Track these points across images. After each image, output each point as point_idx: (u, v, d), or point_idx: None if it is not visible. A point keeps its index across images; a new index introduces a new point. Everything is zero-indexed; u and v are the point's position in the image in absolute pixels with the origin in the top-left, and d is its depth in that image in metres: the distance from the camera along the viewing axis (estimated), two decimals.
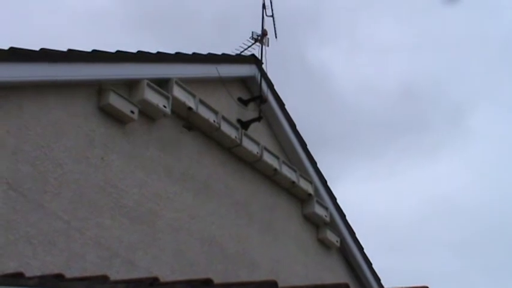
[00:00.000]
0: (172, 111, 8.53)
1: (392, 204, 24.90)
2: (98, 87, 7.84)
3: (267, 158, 9.80)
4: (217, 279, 4.52)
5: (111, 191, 7.65)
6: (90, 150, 7.57)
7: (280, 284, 4.11)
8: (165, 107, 8.36)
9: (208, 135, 9.15)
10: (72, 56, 7.53)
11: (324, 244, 10.67)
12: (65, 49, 7.50)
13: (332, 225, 10.71)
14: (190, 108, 8.75)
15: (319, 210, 10.47)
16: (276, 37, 10.63)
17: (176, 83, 8.64)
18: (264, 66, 10.35)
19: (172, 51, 8.91)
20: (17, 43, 6.98)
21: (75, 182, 7.29)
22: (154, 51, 8.66)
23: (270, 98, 10.30)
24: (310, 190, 10.46)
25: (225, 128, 9.19)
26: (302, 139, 10.67)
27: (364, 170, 24.95)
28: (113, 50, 8.05)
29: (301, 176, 10.35)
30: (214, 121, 9.02)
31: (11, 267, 6.30)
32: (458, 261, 22.22)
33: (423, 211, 24.45)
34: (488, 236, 22.63)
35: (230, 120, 9.35)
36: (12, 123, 6.87)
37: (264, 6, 10.64)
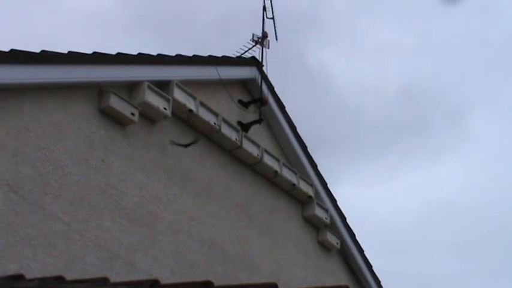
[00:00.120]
0: (173, 113, 8.53)
1: (394, 207, 24.91)
2: (99, 89, 7.84)
3: (268, 160, 9.80)
4: (217, 282, 4.52)
5: (111, 193, 7.65)
6: (90, 152, 7.57)
7: (280, 287, 4.11)
8: (165, 109, 8.36)
9: (209, 137, 9.15)
10: (73, 58, 7.54)
11: (324, 246, 10.67)
12: (65, 51, 7.50)
13: (332, 227, 10.71)
14: (190, 111, 8.76)
15: (319, 213, 10.47)
16: (276, 39, 10.64)
17: (177, 85, 8.64)
18: (264, 68, 10.36)
19: (172, 53, 8.92)
20: (17, 45, 7.00)
21: (75, 184, 7.29)
22: (154, 53, 8.67)
23: (271, 100, 10.31)
24: (311, 192, 10.46)
25: (226, 130, 9.20)
26: (302, 141, 10.67)
27: (365, 172, 24.96)
28: (113, 51, 8.06)
29: (301, 178, 10.35)
30: (214, 123, 9.02)
31: (11, 269, 6.30)
32: (460, 263, 22.21)
33: (425, 213, 24.47)
34: (490, 238, 22.64)
35: (230, 122, 9.36)
36: (13, 125, 6.87)
37: (264, 9, 10.64)
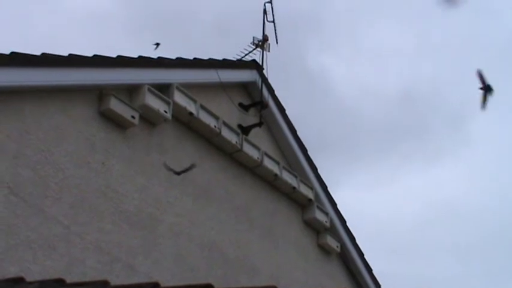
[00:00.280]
0: (173, 116, 8.53)
1: (394, 210, 24.89)
2: (99, 92, 7.84)
3: (268, 163, 9.80)
4: (217, 285, 4.52)
5: (111, 195, 7.65)
6: (90, 155, 7.58)
7: None
8: (165, 112, 8.36)
9: (209, 140, 9.15)
10: (73, 61, 7.54)
11: (324, 250, 10.66)
12: (65, 54, 7.51)
13: (332, 230, 10.71)
14: (191, 114, 8.76)
15: (319, 216, 10.47)
16: (276, 42, 10.65)
17: (177, 88, 8.65)
18: (264, 71, 10.37)
19: (173, 56, 8.93)
20: (17, 45, 7.01)
21: (75, 187, 7.30)
22: (155, 56, 8.68)
23: (271, 103, 10.31)
24: (311, 195, 10.46)
25: (226, 133, 9.20)
26: (303, 144, 10.67)
27: (365, 175, 24.97)
28: (113, 53, 8.07)
29: (301, 181, 10.35)
30: (215, 126, 9.03)
31: (11, 271, 6.30)
32: (460, 266, 22.20)
33: (425, 216, 24.46)
34: (490, 240, 22.63)
35: (231, 125, 9.36)
36: (13, 127, 6.88)
37: (265, 12, 10.65)
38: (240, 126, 9.70)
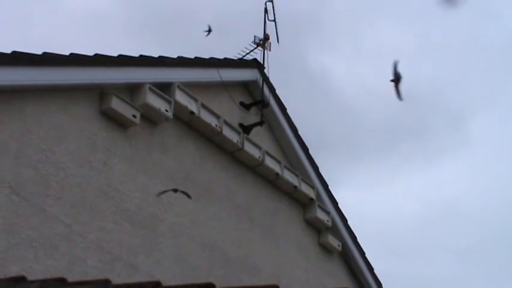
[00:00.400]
0: (174, 115, 8.53)
1: (394, 209, 24.88)
2: (100, 91, 7.85)
3: (269, 162, 9.80)
4: (218, 284, 4.52)
5: (113, 195, 7.65)
6: (92, 154, 7.58)
7: None
8: (167, 111, 8.36)
9: (210, 139, 9.15)
10: (74, 60, 7.55)
11: (326, 249, 10.66)
12: (67, 53, 7.51)
13: (334, 229, 10.71)
14: (192, 113, 8.76)
15: (320, 215, 10.46)
16: (277, 41, 10.63)
17: (178, 87, 8.64)
18: (265, 70, 10.36)
19: (173, 55, 8.93)
20: (17, 45, 7.01)
21: (77, 186, 7.30)
22: (155, 54, 8.68)
23: (272, 102, 10.30)
24: (312, 195, 10.45)
25: (227, 132, 9.20)
26: (304, 143, 10.67)
27: (365, 175, 24.97)
28: (114, 53, 8.07)
29: (303, 180, 10.34)
30: (216, 125, 9.03)
31: (12, 270, 6.30)
32: (461, 266, 22.20)
33: (425, 216, 24.45)
34: (490, 240, 22.63)
35: (232, 124, 9.36)
36: (15, 127, 6.88)
37: (266, 11, 10.64)
38: (241, 125, 9.70)
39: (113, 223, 7.54)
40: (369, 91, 24.69)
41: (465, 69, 26.47)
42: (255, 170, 9.76)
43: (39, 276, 6.30)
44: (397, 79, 8.36)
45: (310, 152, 10.73)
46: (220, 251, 8.79)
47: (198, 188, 8.77)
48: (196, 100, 8.85)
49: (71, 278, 5.93)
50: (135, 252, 7.68)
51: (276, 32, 10.63)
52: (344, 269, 10.94)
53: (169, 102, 8.42)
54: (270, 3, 10.65)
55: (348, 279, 10.88)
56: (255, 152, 9.58)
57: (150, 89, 8.22)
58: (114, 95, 7.82)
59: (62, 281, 5.35)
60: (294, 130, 10.59)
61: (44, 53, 7.25)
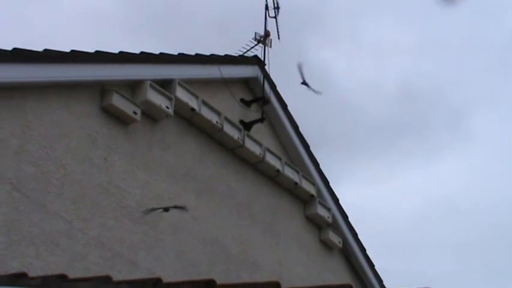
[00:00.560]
0: (175, 112, 8.53)
1: (394, 206, 24.92)
2: (101, 88, 7.85)
3: (270, 159, 9.80)
4: (219, 280, 4.51)
5: (113, 191, 7.66)
6: (93, 151, 7.58)
7: (282, 285, 4.11)
8: (167, 108, 8.36)
9: (211, 136, 9.15)
10: (75, 57, 7.54)
11: (326, 245, 10.67)
12: (67, 50, 7.51)
13: (334, 226, 10.71)
14: (193, 109, 8.76)
15: (321, 211, 10.47)
16: (278, 38, 10.64)
17: (179, 84, 8.65)
18: (266, 67, 10.36)
19: (174, 52, 8.93)
20: (19, 44, 7.02)
21: (78, 183, 7.30)
22: (156, 52, 8.67)
23: (273, 99, 10.30)
24: (313, 191, 10.46)
25: (228, 129, 9.20)
26: (304, 140, 10.67)
27: (365, 171, 24.95)
28: (113, 50, 8.07)
29: (303, 177, 10.35)
30: (217, 122, 9.03)
31: (13, 267, 6.31)
32: (460, 262, 22.21)
33: (424, 212, 24.47)
34: (489, 237, 22.63)
35: (233, 121, 9.36)
36: (16, 123, 6.88)
37: (266, 8, 10.64)
38: (242, 121, 9.70)
39: (114, 220, 7.55)
40: (369, 87, 24.71)
41: (465, 66, 26.47)
42: (256, 166, 9.76)
43: (40, 272, 6.31)
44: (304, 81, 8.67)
45: (310, 148, 10.73)
46: (221, 247, 8.80)
47: (198, 184, 8.78)
48: (197, 97, 8.86)
49: (71, 275, 5.94)
50: (135, 248, 7.69)
51: (277, 29, 10.65)
52: (345, 266, 10.95)
53: (170, 98, 8.43)
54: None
55: (348, 276, 10.89)
56: (255, 149, 9.58)
57: (150, 85, 8.22)
58: (114, 91, 7.82)
59: (62, 277, 5.35)
60: (295, 127, 10.59)
61: (45, 50, 7.25)
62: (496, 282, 20.98)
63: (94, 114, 7.73)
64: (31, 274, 5.88)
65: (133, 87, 8.25)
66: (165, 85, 8.52)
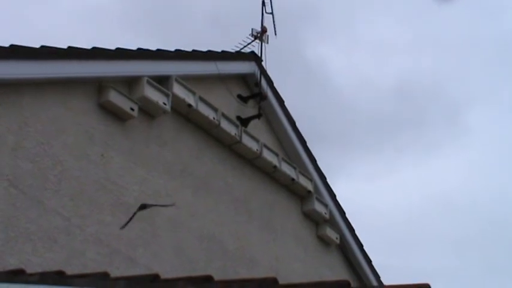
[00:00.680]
0: (172, 108, 8.53)
1: (392, 202, 24.92)
2: (98, 85, 7.85)
3: (267, 155, 9.80)
4: (216, 276, 4.52)
5: (111, 188, 7.66)
6: (90, 147, 7.58)
7: (280, 282, 4.11)
8: (165, 104, 8.36)
9: (208, 132, 9.15)
10: (72, 53, 7.54)
11: (324, 241, 10.68)
12: (64, 46, 7.51)
13: (331, 222, 10.72)
14: (190, 106, 8.76)
15: (318, 207, 10.48)
16: (275, 34, 10.64)
17: (176, 80, 8.65)
18: (263, 63, 10.37)
19: (171, 49, 8.92)
20: (15, 40, 7.01)
21: (75, 179, 7.30)
22: (153, 48, 8.67)
23: (270, 95, 10.31)
24: (310, 187, 10.46)
25: (225, 125, 9.20)
26: (302, 136, 10.67)
27: (363, 167, 24.96)
28: (110, 47, 8.06)
29: (300, 173, 10.35)
30: (213, 118, 9.03)
31: (11, 264, 6.31)
32: (459, 258, 22.24)
33: (422, 208, 24.47)
34: (488, 233, 22.65)
35: (230, 117, 9.36)
36: (12, 120, 6.88)
37: (263, 3, 10.64)
38: (239, 118, 9.70)
39: (111, 216, 7.55)
40: (367, 83, 24.72)
41: (463, 63, 26.49)
42: (253, 162, 9.77)
43: (38, 269, 6.31)
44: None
45: (307, 144, 10.74)
46: (218, 243, 8.80)
47: (196, 180, 8.78)
48: (194, 93, 8.86)
49: (69, 271, 5.94)
50: (133, 245, 7.69)
51: (274, 25, 10.64)
52: (342, 262, 10.96)
53: (167, 95, 8.43)
54: None
55: (346, 272, 10.90)
56: (252, 145, 9.59)
57: (148, 82, 8.22)
58: (112, 88, 7.82)
59: (60, 274, 5.35)
60: (292, 123, 10.59)
61: (42, 47, 7.25)
62: (495, 278, 21.00)
63: (91, 110, 7.73)
64: (29, 271, 5.88)
65: (130, 83, 8.24)
66: (162, 81, 8.52)
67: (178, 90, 8.63)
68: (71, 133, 7.42)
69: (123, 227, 7.36)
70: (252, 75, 10.19)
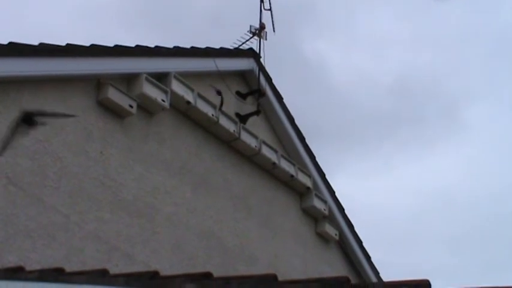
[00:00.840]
0: (171, 105, 8.53)
1: (390, 198, 24.95)
2: (97, 82, 7.84)
3: (266, 151, 9.81)
4: (215, 273, 4.52)
5: (110, 184, 7.66)
6: (88, 144, 7.58)
7: (279, 278, 4.11)
8: (163, 101, 8.36)
9: (207, 129, 9.16)
10: (71, 51, 7.54)
11: (323, 238, 10.68)
12: (63, 43, 7.51)
13: (331, 218, 10.73)
14: (188, 102, 8.76)
15: (317, 204, 10.48)
16: (273, 31, 10.64)
17: (175, 77, 8.65)
18: (262, 59, 10.36)
19: (170, 46, 8.92)
20: (14, 38, 7.00)
21: (74, 176, 7.30)
22: (152, 45, 8.67)
23: (268, 91, 10.31)
24: (309, 184, 10.47)
25: (224, 121, 9.20)
26: (300, 133, 10.68)
27: (361, 164, 24.99)
28: (109, 43, 8.07)
29: (299, 169, 10.36)
30: (212, 115, 9.03)
31: (10, 261, 6.31)
32: (457, 255, 22.27)
33: (421, 205, 24.51)
34: (486, 229, 22.68)
35: (228, 114, 9.36)
36: (12, 117, 6.87)
37: (261, 0, 10.64)
38: (237, 114, 9.71)
39: (110, 213, 7.55)
40: (365, 79, 24.73)
41: (461, 58, 26.50)
42: (252, 159, 9.77)
43: (37, 266, 6.32)
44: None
45: (306, 141, 10.74)
46: (217, 240, 8.81)
47: (194, 177, 8.79)
48: (192, 90, 8.86)
49: (68, 268, 5.94)
50: (132, 242, 7.69)
51: (272, 21, 10.65)
52: (341, 258, 10.97)
53: (165, 92, 8.43)
54: None
55: (345, 268, 10.91)
56: (251, 142, 9.59)
57: (146, 79, 8.22)
58: (110, 85, 7.82)
59: (60, 271, 5.36)
60: (291, 119, 10.60)
61: (41, 44, 7.24)
62: (493, 274, 21.04)
63: (90, 107, 7.73)
64: (28, 268, 5.88)
65: (129, 80, 8.24)
66: (160, 78, 8.52)
67: (176, 87, 8.64)
68: (70, 130, 7.42)
69: None
70: (251, 72, 10.20)
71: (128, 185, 7.87)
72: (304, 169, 10.49)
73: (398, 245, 22.52)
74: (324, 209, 10.57)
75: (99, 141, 7.72)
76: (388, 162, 25.35)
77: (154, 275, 4.63)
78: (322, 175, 10.83)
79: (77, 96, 7.62)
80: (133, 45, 8.38)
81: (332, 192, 10.89)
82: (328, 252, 10.75)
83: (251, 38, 10.55)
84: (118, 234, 7.56)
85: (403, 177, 25.18)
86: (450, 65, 26.04)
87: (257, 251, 9.40)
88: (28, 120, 7.00)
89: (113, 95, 7.83)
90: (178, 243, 8.27)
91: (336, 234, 10.74)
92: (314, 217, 10.62)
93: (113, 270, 6.48)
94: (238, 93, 9.95)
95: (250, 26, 10.59)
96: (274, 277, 4.09)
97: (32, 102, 7.09)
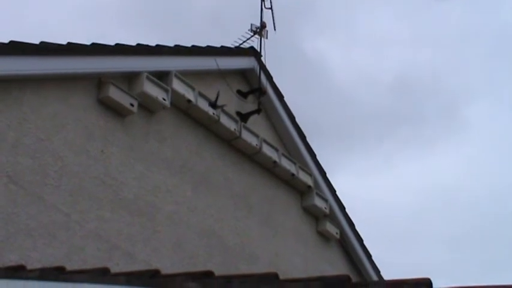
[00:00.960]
0: (172, 104, 8.53)
1: (391, 197, 24.95)
2: (98, 80, 7.85)
3: (266, 150, 9.81)
4: (216, 272, 4.51)
5: (110, 183, 7.66)
6: (89, 143, 7.58)
7: (280, 277, 4.11)
8: (164, 99, 8.36)
9: (208, 127, 9.15)
10: (72, 49, 7.54)
11: (324, 236, 10.68)
12: (64, 42, 7.51)
13: (331, 217, 10.72)
14: (189, 101, 8.76)
15: (318, 202, 10.48)
16: (274, 29, 10.64)
17: (175, 75, 8.65)
18: (263, 58, 10.36)
19: (171, 44, 8.92)
20: (14, 37, 7.01)
21: (75, 175, 7.30)
22: (153, 44, 8.67)
23: (269, 90, 10.31)
24: (310, 182, 10.46)
25: (224, 120, 9.20)
26: (301, 131, 10.68)
27: (362, 162, 24.99)
28: (110, 42, 8.07)
29: (300, 168, 10.35)
30: (213, 113, 9.03)
31: (11, 259, 6.32)
32: (458, 253, 22.26)
33: (421, 203, 24.52)
34: (486, 228, 22.68)
35: (229, 112, 9.36)
36: (12, 116, 6.88)
37: None
38: (238, 113, 9.70)
39: (111, 212, 7.55)
40: (365, 78, 24.73)
41: (461, 57, 26.49)
42: (253, 158, 9.77)
43: (38, 264, 6.32)
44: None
45: (307, 139, 10.74)
46: (218, 239, 8.81)
47: (195, 176, 8.78)
48: (193, 88, 8.86)
49: (69, 266, 5.94)
50: (133, 240, 7.69)
51: (273, 20, 10.64)
52: (342, 256, 10.97)
53: (166, 90, 8.43)
54: None
55: (346, 267, 10.91)
56: (252, 140, 9.59)
57: (147, 77, 8.22)
58: (111, 83, 7.82)
59: (60, 269, 5.36)
60: (291, 118, 10.59)
61: (41, 42, 7.25)
62: (494, 273, 21.04)
63: (91, 106, 7.73)
64: (29, 266, 5.88)
65: (129, 79, 8.25)
66: (161, 77, 8.52)
67: (177, 85, 8.64)
68: (71, 129, 7.43)
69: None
70: (252, 70, 10.19)
71: (129, 183, 7.87)
72: (305, 168, 10.48)
73: (398, 244, 22.52)
74: (325, 208, 10.57)
75: (100, 139, 7.72)
76: (388, 161, 25.35)
77: (155, 273, 4.63)
78: (323, 174, 10.82)
79: (78, 94, 7.62)
80: (134, 43, 8.38)
81: (333, 190, 10.88)
82: (329, 251, 10.75)
83: (252, 36, 10.55)
84: (119, 232, 7.56)
85: (403, 175, 25.18)
86: (450, 64, 26.05)
87: (258, 250, 9.40)
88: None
89: (114, 93, 7.83)
90: (179, 242, 8.27)
91: (336, 233, 10.73)
92: (315, 216, 10.62)
93: (114, 269, 6.48)
94: (239, 91, 9.94)
95: (251, 25, 10.59)
96: (275, 276, 4.09)
97: (32, 101, 7.10)
